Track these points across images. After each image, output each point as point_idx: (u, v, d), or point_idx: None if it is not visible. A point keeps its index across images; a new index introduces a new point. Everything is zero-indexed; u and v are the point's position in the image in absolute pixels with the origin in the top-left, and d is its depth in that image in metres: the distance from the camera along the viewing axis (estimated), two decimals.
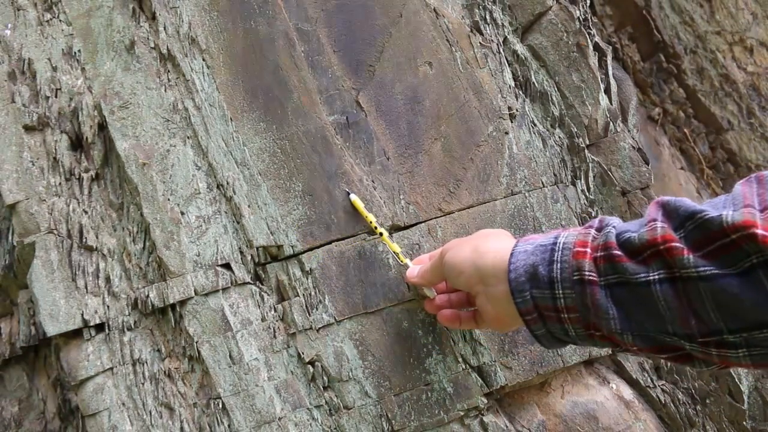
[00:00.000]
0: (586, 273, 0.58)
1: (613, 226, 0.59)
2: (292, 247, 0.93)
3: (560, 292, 0.60)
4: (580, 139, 1.03)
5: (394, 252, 0.90)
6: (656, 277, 0.53)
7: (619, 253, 0.56)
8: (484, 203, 0.98)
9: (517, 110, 1.01)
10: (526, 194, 1.00)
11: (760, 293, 0.47)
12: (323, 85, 0.97)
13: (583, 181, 1.02)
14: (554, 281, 0.60)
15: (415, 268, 0.86)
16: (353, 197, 0.93)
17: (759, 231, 0.47)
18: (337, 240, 0.94)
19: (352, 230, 0.94)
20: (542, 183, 1.01)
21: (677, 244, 0.52)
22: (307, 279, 0.93)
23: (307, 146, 0.95)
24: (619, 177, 1.02)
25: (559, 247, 0.61)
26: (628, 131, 1.02)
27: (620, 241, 0.57)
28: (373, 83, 0.98)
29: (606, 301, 0.56)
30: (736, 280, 0.49)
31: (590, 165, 1.02)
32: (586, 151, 1.03)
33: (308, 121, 0.96)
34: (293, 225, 0.93)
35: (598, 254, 0.58)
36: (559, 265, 0.60)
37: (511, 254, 0.66)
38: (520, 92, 1.04)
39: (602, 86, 1.02)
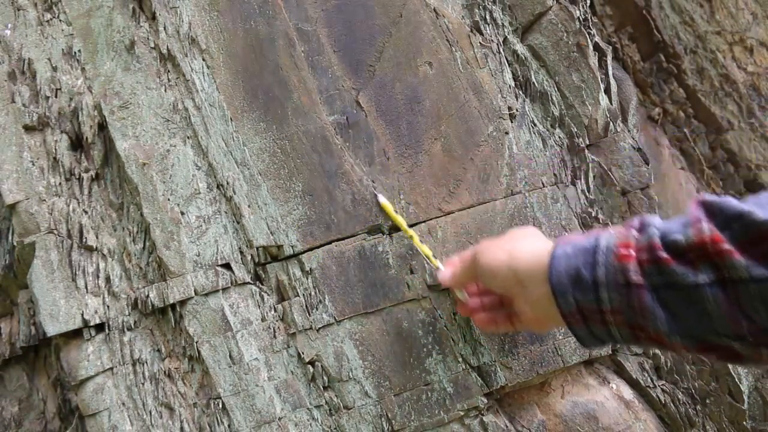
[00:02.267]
0: (632, 275, 0.57)
1: (656, 227, 0.59)
2: (292, 247, 0.92)
3: (605, 294, 0.59)
4: (580, 139, 1.02)
5: (425, 255, 0.89)
6: (705, 279, 0.52)
7: (665, 255, 0.55)
8: (484, 203, 0.97)
9: (517, 110, 1.00)
10: (526, 194, 0.99)
11: None
12: (323, 85, 0.96)
13: (583, 181, 1.01)
14: (598, 284, 0.60)
15: (447, 271, 0.85)
16: (382, 200, 0.92)
17: None
18: (337, 240, 0.93)
19: (352, 230, 0.93)
20: (542, 183, 1.00)
21: (726, 246, 0.51)
22: (307, 279, 0.92)
23: (307, 146, 0.94)
24: (619, 177, 1.01)
25: (601, 250, 0.60)
26: (628, 131, 1.01)
27: (665, 242, 0.56)
28: (373, 83, 0.97)
29: (653, 303, 0.56)
30: None
31: (590, 165, 1.02)
32: (586, 151, 1.02)
33: (308, 121, 0.95)
34: (293, 225, 0.93)
35: (643, 256, 0.57)
36: (603, 268, 0.59)
37: (552, 257, 0.65)
38: (520, 92, 1.02)
39: (602, 86, 1.01)
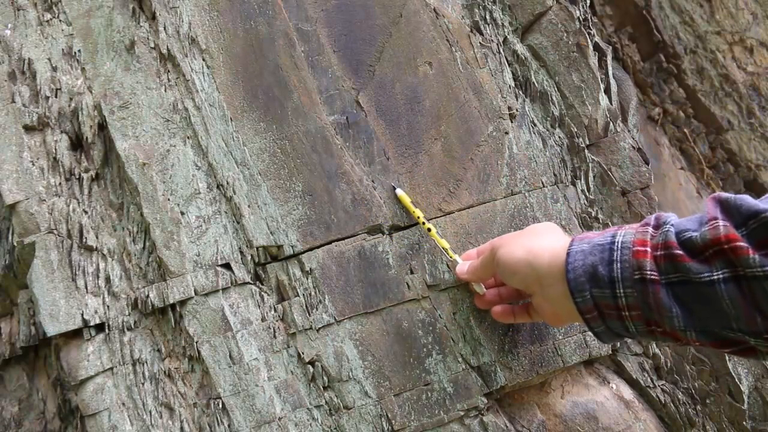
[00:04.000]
0: (648, 272, 0.57)
1: (671, 224, 0.59)
2: (292, 247, 0.92)
3: (621, 291, 0.60)
4: (580, 139, 1.02)
5: (443, 248, 0.89)
6: (720, 276, 0.53)
7: (680, 252, 0.56)
8: (484, 203, 0.97)
9: (517, 110, 1.00)
10: (526, 194, 0.98)
11: None
12: (323, 85, 0.96)
13: (583, 181, 1.01)
14: (615, 280, 0.60)
15: (464, 264, 0.85)
16: (399, 192, 0.92)
17: None
18: (337, 240, 0.93)
19: (351, 230, 0.93)
20: (542, 183, 1.00)
21: (741, 243, 0.52)
22: (307, 279, 0.92)
23: (306, 146, 0.94)
24: (619, 177, 1.01)
25: (617, 246, 0.61)
26: (628, 131, 1.01)
27: (681, 240, 0.57)
28: (373, 83, 0.97)
29: (668, 300, 0.56)
30: None
31: (590, 165, 1.02)
32: (586, 151, 1.01)
33: (308, 121, 0.95)
34: (293, 225, 0.93)
35: (659, 253, 0.57)
36: (619, 264, 0.60)
37: (568, 254, 0.65)
38: (520, 92, 1.02)
39: (602, 86, 1.01)
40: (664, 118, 1.16)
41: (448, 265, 0.91)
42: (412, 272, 0.93)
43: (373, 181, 0.95)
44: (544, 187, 1.00)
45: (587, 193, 1.00)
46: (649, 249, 0.58)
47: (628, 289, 0.59)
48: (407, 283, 0.93)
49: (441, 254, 0.93)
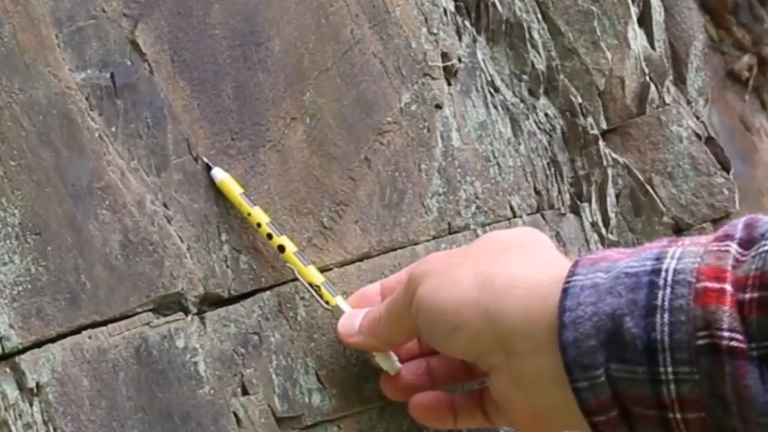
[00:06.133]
0: (726, 334, 0.42)
1: None
2: None
3: (670, 369, 0.44)
4: (590, 120, 0.79)
5: (308, 284, 0.67)
6: None
7: None
8: (393, 250, 0.72)
9: (461, 60, 0.79)
10: (479, 231, 0.77)
11: None
12: (63, 6, 0.68)
13: (595, 205, 0.80)
14: (657, 348, 0.43)
15: (355, 316, 0.65)
16: (220, 175, 0.70)
17: None
18: (93, 325, 0.66)
19: (123, 305, 0.65)
20: (510, 208, 0.78)
21: None
22: (31, 405, 0.65)
23: (30, 132, 0.67)
24: (668, 196, 0.80)
25: (666, 280, 0.44)
26: (688, 103, 0.81)
27: None
28: (164, 4, 0.70)
29: (765, 390, 0.41)
30: None
31: (609, 172, 0.80)
32: (600, 143, 0.78)
33: (33, 80, 0.67)
34: (1, 295, 0.66)
35: (749, 295, 0.42)
36: (667, 315, 0.44)
37: (565, 291, 0.47)
38: (468, 23, 0.80)
39: (635, 10, 0.78)
40: (760, 76, 0.91)
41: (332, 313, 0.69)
42: (245, 391, 0.68)
43: (165, 205, 0.67)
44: (514, 217, 0.81)
45: (603, 229, 0.81)
46: (728, 287, 0.42)
47: (681, 366, 0.43)
48: (235, 414, 0.66)
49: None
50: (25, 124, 0.64)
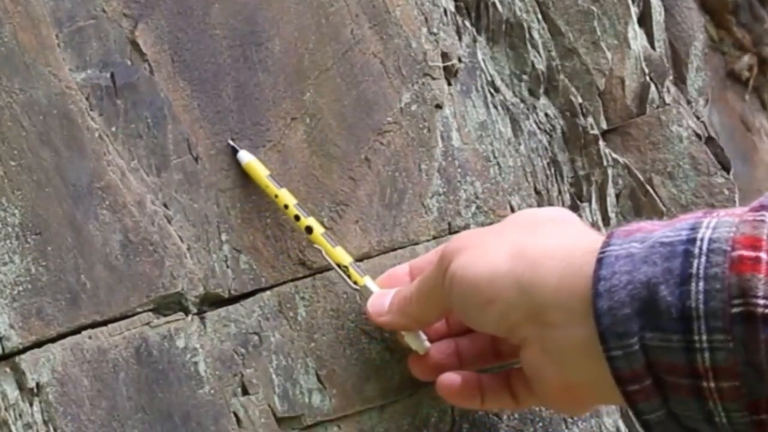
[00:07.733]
0: (761, 301, 0.42)
1: None
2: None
3: (705, 338, 0.43)
4: (589, 120, 0.80)
5: (337, 264, 0.67)
6: None
7: None
8: (393, 250, 0.72)
9: (461, 60, 0.79)
10: None
11: None
12: (63, 7, 0.69)
13: (595, 205, 0.81)
14: (692, 316, 0.44)
15: (385, 295, 0.65)
16: (245, 156, 0.71)
17: None
18: (94, 325, 0.67)
19: (123, 305, 0.66)
20: (511, 208, 0.78)
21: None
22: (31, 406, 0.66)
23: (31, 132, 0.68)
24: (669, 196, 0.81)
25: (701, 248, 0.44)
26: (688, 103, 0.83)
27: None
28: (165, 4, 0.71)
29: None
30: None
31: (609, 172, 0.81)
32: (600, 143, 0.80)
33: (33, 80, 0.68)
34: (2, 295, 0.67)
35: None
36: (702, 283, 0.43)
37: (599, 261, 0.47)
38: (468, 23, 0.81)
39: (635, 10, 0.80)
40: (760, 75, 0.94)
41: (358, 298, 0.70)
42: (245, 391, 0.68)
43: (166, 205, 0.68)
44: None
45: (604, 228, 0.81)
46: (764, 255, 0.42)
47: (717, 334, 0.43)
48: (235, 414, 0.67)
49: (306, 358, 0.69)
50: (26, 124, 0.65)
